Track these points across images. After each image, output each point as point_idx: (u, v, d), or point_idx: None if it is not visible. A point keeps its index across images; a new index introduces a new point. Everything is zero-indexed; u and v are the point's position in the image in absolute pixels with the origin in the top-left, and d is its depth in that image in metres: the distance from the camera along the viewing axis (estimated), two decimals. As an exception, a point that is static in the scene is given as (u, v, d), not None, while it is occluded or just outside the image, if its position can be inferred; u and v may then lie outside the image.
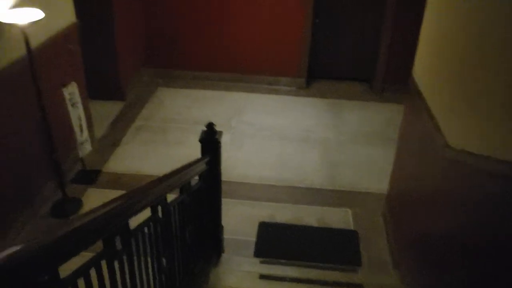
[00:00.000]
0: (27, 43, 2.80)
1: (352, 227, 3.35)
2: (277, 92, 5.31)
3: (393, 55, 5.07)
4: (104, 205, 1.40)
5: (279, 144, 4.34)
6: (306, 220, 3.42)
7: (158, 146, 4.24)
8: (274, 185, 3.79)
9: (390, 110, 4.96)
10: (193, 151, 2.63)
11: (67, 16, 3.58)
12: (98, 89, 4.82)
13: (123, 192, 3.52)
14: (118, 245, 1.44)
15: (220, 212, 2.80)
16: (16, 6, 2.86)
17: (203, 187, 2.45)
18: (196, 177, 2.40)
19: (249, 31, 5.14)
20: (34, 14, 2.75)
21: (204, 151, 2.54)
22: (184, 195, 2.09)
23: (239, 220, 3.38)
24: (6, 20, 2.68)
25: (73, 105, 3.39)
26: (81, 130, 3.52)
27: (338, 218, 3.45)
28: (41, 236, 1.16)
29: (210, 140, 2.49)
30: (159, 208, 1.72)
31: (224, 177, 2.79)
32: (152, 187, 1.66)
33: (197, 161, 2.39)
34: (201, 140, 2.50)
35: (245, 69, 5.36)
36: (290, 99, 5.19)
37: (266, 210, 3.50)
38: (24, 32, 2.75)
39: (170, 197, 1.95)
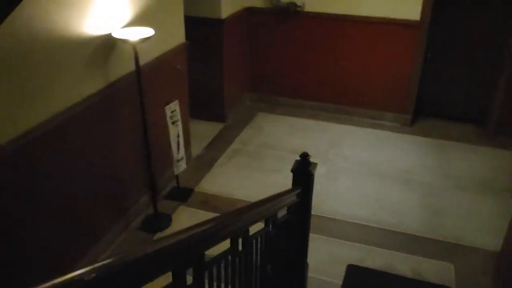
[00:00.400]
0: (136, 59, 2.91)
1: (454, 285, 2.98)
2: (379, 127, 5.04)
3: (511, 96, 4.59)
4: (181, 232, 1.32)
5: (376, 182, 4.08)
6: (399, 269, 3.11)
7: (252, 172, 4.19)
8: (366, 225, 3.53)
9: (504, 156, 4.46)
10: (287, 180, 2.52)
11: (178, 36, 3.71)
12: (200, 109, 4.94)
13: (211, 214, 3.56)
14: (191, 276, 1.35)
15: (307, 248, 2.64)
16: (130, 24, 3.01)
17: (291, 220, 2.32)
18: (284, 209, 2.27)
19: (356, 63, 4.98)
20: (145, 32, 2.86)
21: (295, 182, 2.41)
22: (269, 227, 1.97)
23: (325, 259, 3.18)
24: (119, 35, 2.81)
25: (173, 122, 3.46)
26: (178, 148, 3.57)
27: (437, 272, 3.10)
28: (126, 252, 1.11)
29: (303, 171, 2.36)
30: (240, 240, 1.61)
31: (314, 210, 2.63)
32: (235, 216, 1.56)
33: (287, 192, 2.27)
34: (293, 170, 2.38)
35: (348, 101, 5.18)
36: (393, 135, 4.89)
37: (356, 252, 3.26)
38: (134, 48, 2.87)
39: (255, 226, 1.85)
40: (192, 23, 4.48)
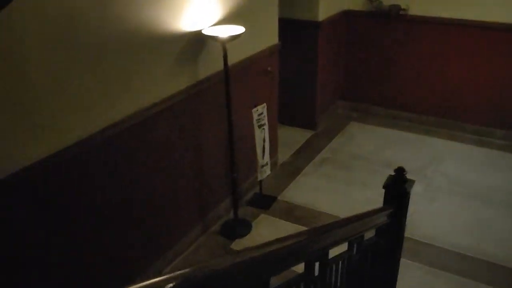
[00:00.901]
0: (225, 57, 2.80)
1: None
2: (486, 144, 4.50)
3: None
4: (257, 247, 1.13)
5: (480, 206, 3.60)
6: (506, 311, 2.68)
7: (340, 183, 3.91)
8: (467, 255, 3.11)
9: None
10: (377, 196, 2.25)
11: (270, 37, 3.56)
12: (289, 114, 4.77)
13: (293, 225, 3.36)
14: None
15: (396, 276, 2.33)
16: (221, 23, 2.90)
17: (379, 243, 2.04)
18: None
19: (463, 73, 4.50)
20: (235, 30, 2.74)
21: (387, 200, 2.12)
22: (353, 250, 1.72)
23: (417, 288, 2.83)
24: (208, 33, 2.71)
25: (260, 126, 3.31)
26: (264, 153, 3.42)
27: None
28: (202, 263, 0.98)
29: (397, 189, 2.07)
30: (317, 264, 1.39)
31: (407, 233, 2.32)
32: (313, 237, 1.34)
33: (376, 211, 2.00)
34: (386, 187, 2.09)
35: (450, 114, 4.70)
36: (502, 155, 4.34)
37: (454, 284, 2.86)
38: (223, 46, 2.76)
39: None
40: (286, 25, 4.33)
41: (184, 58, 2.74)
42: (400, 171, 2.03)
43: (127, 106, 2.42)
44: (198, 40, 2.79)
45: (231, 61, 3.03)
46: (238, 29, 2.76)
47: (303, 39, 4.44)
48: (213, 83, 2.98)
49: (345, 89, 5.18)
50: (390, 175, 2.11)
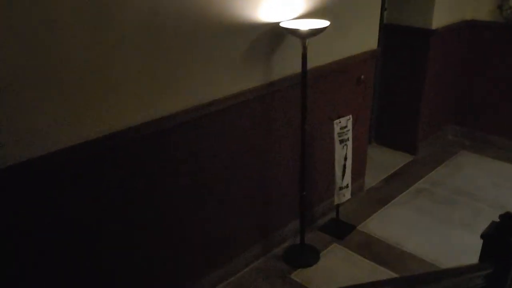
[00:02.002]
0: (304, 55, 2.39)
1: None
2: None
3: None
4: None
5: None
6: None
7: (435, 221, 3.27)
8: None
9: None
10: (479, 243, 1.68)
11: (366, 41, 3.08)
12: (386, 134, 4.21)
13: (369, 263, 2.81)
14: None
15: None
16: (304, 17, 2.50)
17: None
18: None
19: None
20: (318, 24, 2.32)
21: (486, 255, 1.55)
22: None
23: None
24: (286, 25, 2.33)
25: (341, 141, 2.83)
26: (344, 173, 2.93)
27: None
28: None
29: (501, 241, 1.49)
30: None
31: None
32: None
33: (469, 269, 1.45)
34: (485, 236, 1.53)
35: None
36: None
37: None
38: (303, 43, 2.35)
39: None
40: (391, 31, 3.81)
41: (255, 54, 2.38)
42: (507, 217, 1.46)
43: (179, 101, 2.12)
44: (274, 34, 2.42)
45: (313, 63, 2.63)
46: (321, 23, 2.34)
47: (410, 48, 3.86)
48: (287, 86, 2.59)
49: (458, 112, 4.46)
50: (494, 221, 1.54)
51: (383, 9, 3.86)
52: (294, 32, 2.32)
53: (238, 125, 2.42)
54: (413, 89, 3.94)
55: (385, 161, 4.06)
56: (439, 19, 3.74)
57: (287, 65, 2.55)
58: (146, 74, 1.96)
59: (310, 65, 2.58)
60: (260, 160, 2.63)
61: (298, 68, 2.48)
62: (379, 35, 3.82)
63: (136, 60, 1.90)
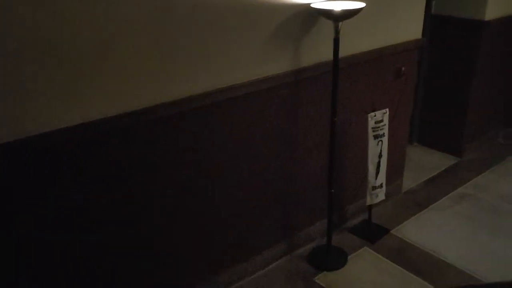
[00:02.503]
0: (336, 40, 2.19)
1: None
2: None
3: None
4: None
5: None
6: None
7: (480, 229, 2.98)
8: None
9: None
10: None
11: (410, 29, 2.83)
12: (429, 133, 3.93)
13: (402, 271, 2.58)
14: None
15: None
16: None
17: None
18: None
19: None
20: (353, 5, 2.12)
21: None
22: None
23: None
24: (318, 6, 2.14)
25: (376, 137, 2.61)
26: (378, 172, 2.71)
27: None
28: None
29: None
30: None
31: None
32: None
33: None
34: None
35: None
36: None
37: None
38: (336, 26, 2.16)
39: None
40: (439, 23, 3.53)
41: (284, 37, 2.20)
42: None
43: (198, 83, 1.98)
44: (305, 16, 2.23)
45: (348, 50, 2.44)
46: (356, 4, 2.13)
47: (460, 42, 3.56)
48: (318, 74, 2.40)
49: (510, 113, 4.11)
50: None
51: (431, -2, 3.59)
52: (326, 13, 2.13)
53: (263, 113, 2.26)
54: (460, 86, 3.64)
55: (427, 163, 3.78)
56: (495, 9, 3.43)
57: (319, 51, 2.36)
58: (156, 51, 1.83)
59: (343, 52, 2.39)
60: (286, 152, 2.45)
61: (330, 55, 2.29)
62: (426, 27, 3.56)
63: (144, 35, 1.77)
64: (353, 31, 2.46)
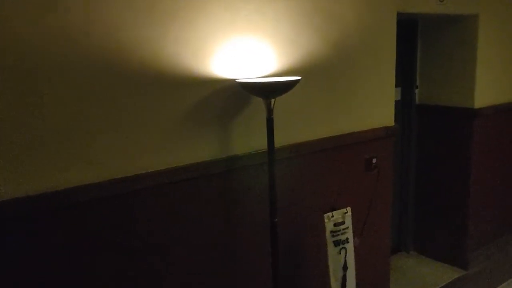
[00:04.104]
0: (269, 121, 1.77)
1: None
2: None
3: None
4: None
5: None
6: None
7: None
8: None
9: None
10: None
11: (380, 117, 2.41)
12: (426, 240, 3.34)
13: None
14: None
15: None
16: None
17: None
18: None
19: None
20: (286, 78, 1.73)
21: None
22: None
23: None
24: (243, 79, 1.75)
25: (336, 243, 2.07)
26: (343, 286, 2.12)
27: None
28: None
29: None
30: None
31: None
32: None
33: None
34: None
35: None
36: None
37: None
38: (267, 104, 1.75)
39: None
40: (425, 113, 3.14)
41: (209, 119, 1.79)
42: None
43: (92, 171, 1.54)
44: (234, 94, 1.84)
45: (298, 136, 2.01)
46: (290, 78, 1.74)
47: (450, 132, 3.11)
48: (258, 164, 1.94)
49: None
50: None
51: (413, 86, 3.22)
52: (251, 88, 1.73)
53: (178, 210, 1.77)
54: (458, 183, 3.12)
55: (424, 276, 3.14)
56: (485, 96, 3.03)
57: (257, 136, 1.93)
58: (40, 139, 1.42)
59: (290, 138, 1.98)
60: (216, 265, 1.91)
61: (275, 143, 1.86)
62: (410, 116, 3.17)
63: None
64: (303, 115, 2.05)
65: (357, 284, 2.21)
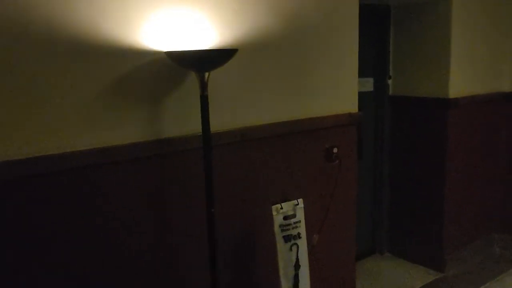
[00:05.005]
0: (203, 98, 1.56)
1: None
2: None
3: None
4: None
5: None
6: None
7: None
8: None
9: None
10: None
11: (341, 102, 2.21)
12: (401, 241, 3.13)
13: None
14: None
15: None
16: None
17: None
18: None
19: None
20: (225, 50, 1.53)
21: None
22: None
23: None
24: (170, 49, 1.55)
25: (287, 239, 1.86)
26: (295, 286, 1.90)
27: None
28: None
29: None
30: None
31: None
32: None
33: None
34: None
35: None
36: None
37: None
38: (200, 78, 1.55)
39: None
40: (398, 104, 2.96)
41: (136, 96, 1.59)
42: None
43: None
44: (168, 68, 1.64)
45: (246, 120, 1.81)
46: (225, 48, 1.54)
47: (424, 124, 2.92)
48: (192, 148, 1.73)
49: (507, 215, 3.31)
50: None
51: (386, 77, 3.04)
52: (181, 58, 1.53)
53: (99, 197, 1.56)
54: (433, 180, 2.92)
55: (400, 279, 2.94)
56: (458, 87, 2.84)
57: (195, 118, 1.72)
58: None
59: (237, 121, 1.78)
60: (144, 264, 1.70)
61: (215, 125, 1.66)
62: (384, 108, 2.99)
63: None
64: (252, 95, 1.85)
65: (317, 287, 2.00)
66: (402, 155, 3.05)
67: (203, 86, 1.56)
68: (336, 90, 2.18)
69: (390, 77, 3.05)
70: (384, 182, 3.14)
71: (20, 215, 1.40)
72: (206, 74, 1.54)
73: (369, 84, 3.05)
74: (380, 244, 3.25)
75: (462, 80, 2.86)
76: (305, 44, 2.02)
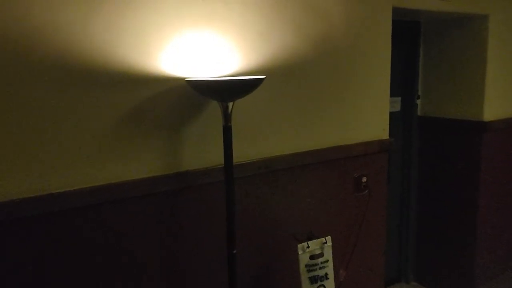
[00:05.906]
0: (226, 129, 1.44)
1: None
2: None
3: None
4: None
5: None
6: None
7: None
8: None
9: None
10: None
11: (371, 129, 2.06)
12: (430, 269, 2.95)
13: None
14: None
15: None
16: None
17: None
18: None
19: None
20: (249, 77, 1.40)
21: None
22: None
23: None
24: (190, 77, 1.42)
25: (313, 280, 1.71)
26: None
27: None
28: None
29: None
30: None
31: None
32: None
33: None
34: None
35: None
36: None
37: None
38: (223, 107, 1.42)
39: None
40: (427, 127, 2.80)
41: (154, 123, 1.46)
42: None
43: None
44: (188, 97, 1.51)
45: (269, 150, 1.67)
46: (251, 77, 1.41)
47: (455, 148, 2.75)
48: (212, 182, 1.60)
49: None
50: None
51: (415, 96, 2.88)
52: (202, 88, 1.40)
53: (112, 236, 1.43)
54: (464, 207, 2.75)
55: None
56: (495, 109, 2.67)
57: (216, 150, 1.59)
58: None
59: (262, 152, 1.64)
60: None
61: (238, 156, 1.53)
62: (412, 132, 2.83)
63: None
64: (277, 124, 1.72)
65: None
66: (431, 180, 2.88)
67: (227, 116, 1.42)
68: (366, 116, 2.04)
69: (419, 97, 2.89)
70: (411, 209, 2.97)
71: (35, 254, 1.28)
72: (230, 104, 1.42)
73: (396, 104, 2.90)
74: (405, 272, 3.07)
75: (498, 101, 2.69)
76: (334, 68, 1.88)
